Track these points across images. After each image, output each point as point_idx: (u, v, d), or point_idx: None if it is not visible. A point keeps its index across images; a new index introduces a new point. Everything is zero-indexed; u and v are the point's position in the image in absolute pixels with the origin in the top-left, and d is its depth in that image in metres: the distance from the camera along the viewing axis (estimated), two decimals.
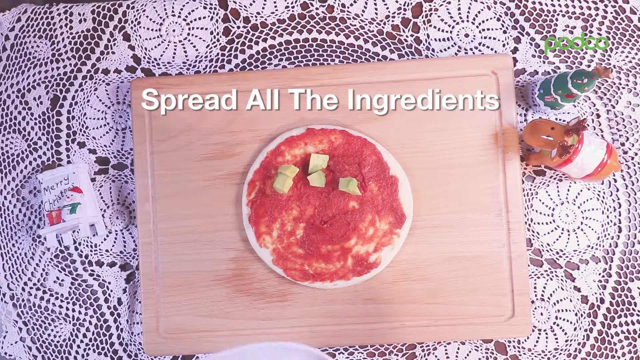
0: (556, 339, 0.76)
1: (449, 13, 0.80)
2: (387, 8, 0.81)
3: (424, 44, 0.80)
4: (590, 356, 0.76)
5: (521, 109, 0.78)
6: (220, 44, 0.81)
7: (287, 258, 0.74)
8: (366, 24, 0.81)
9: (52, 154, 0.81)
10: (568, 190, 0.77)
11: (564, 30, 0.79)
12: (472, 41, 0.80)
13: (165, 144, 0.77)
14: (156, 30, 0.82)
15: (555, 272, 0.77)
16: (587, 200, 0.77)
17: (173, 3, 0.82)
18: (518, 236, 0.74)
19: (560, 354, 0.76)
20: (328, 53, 0.80)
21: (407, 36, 0.80)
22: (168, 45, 0.81)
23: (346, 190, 0.72)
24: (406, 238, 0.74)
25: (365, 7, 0.81)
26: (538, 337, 0.76)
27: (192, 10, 0.81)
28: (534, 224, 0.77)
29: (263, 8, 0.81)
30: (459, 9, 0.80)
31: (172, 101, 0.77)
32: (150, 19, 0.82)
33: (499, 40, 0.79)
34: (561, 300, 0.77)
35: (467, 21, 0.80)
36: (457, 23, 0.80)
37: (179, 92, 0.77)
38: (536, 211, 0.77)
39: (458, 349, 0.77)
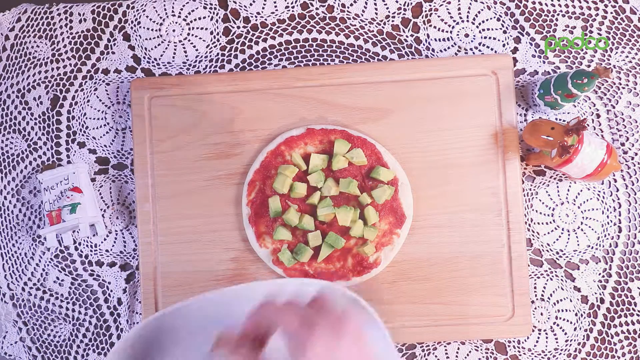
0: (556, 339, 0.76)
1: (449, 13, 0.80)
2: (387, 8, 0.81)
3: (424, 44, 0.80)
4: (590, 356, 0.76)
5: (521, 109, 0.78)
6: (220, 44, 0.81)
7: None
8: (366, 24, 0.81)
9: (52, 154, 0.81)
10: (568, 190, 0.77)
11: (564, 30, 0.79)
12: (472, 41, 0.80)
13: (165, 144, 0.77)
14: (156, 30, 0.82)
15: (555, 272, 0.77)
16: (587, 200, 0.77)
17: (173, 3, 0.82)
18: (518, 236, 0.74)
19: (560, 354, 0.76)
20: (328, 53, 0.80)
21: (407, 36, 0.80)
22: (168, 45, 0.81)
23: (346, 191, 0.72)
24: (406, 238, 0.74)
25: (365, 7, 0.81)
26: (538, 337, 0.76)
27: (192, 10, 0.81)
28: (534, 224, 0.77)
29: (263, 8, 0.81)
30: (459, 9, 0.80)
31: (172, 101, 0.77)
32: (150, 19, 0.82)
33: (499, 40, 0.79)
34: (561, 300, 0.77)
35: (467, 21, 0.80)
36: (457, 23, 0.80)
37: (179, 92, 0.77)
38: (536, 211, 0.77)
39: (458, 349, 0.77)
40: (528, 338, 0.76)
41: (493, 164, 0.75)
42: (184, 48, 0.81)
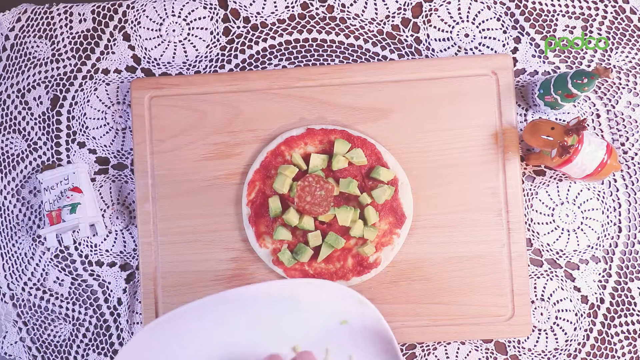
0: (556, 339, 0.76)
1: (449, 13, 0.80)
2: (387, 8, 0.81)
3: (424, 44, 0.80)
4: (590, 356, 0.76)
5: (521, 109, 0.78)
6: (220, 44, 0.81)
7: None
8: (366, 24, 0.81)
9: (52, 154, 0.81)
10: (568, 190, 0.77)
11: (564, 30, 0.79)
12: (472, 41, 0.80)
13: (165, 144, 0.77)
14: (156, 30, 0.82)
15: (555, 272, 0.77)
16: (587, 200, 0.77)
17: (173, 3, 0.82)
18: (518, 236, 0.74)
19: (560, 354, 0.76)
20: (328, 53, 0.80)
21: (407, 36, 0.80)
22: (168, 45, 0.81)
23: (346, 191, 0.72)
24: (406, 238, 0.74)
25: (365, 7, 0.81)
26: (538, 337, 0.76)
27: (192, 10, 0.81)
28: (534, 224, 0.77)
29: (263, 8, 0.81)
30: (459, 9, 0.80)
31: (172, 101, 0.77)
32: (150, 19, 0.82)
33: (499, 40, 0.79)
34: (561, 300, 0.77)
35: (467, 21, 0.80)
36: (457, 23, 0.80)
37: (179, 92, 0.77)
38: (536, 211, 0.77)
39: (458, 349, 0.77)
40: (528, 338, 0.76)
41: (493, 164, 0.75)
42: (184, 48, 0.81)
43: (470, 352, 0.77)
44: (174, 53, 0.81)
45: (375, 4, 0.81)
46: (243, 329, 0.57)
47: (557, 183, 0.77)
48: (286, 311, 0.57)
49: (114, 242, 0.80)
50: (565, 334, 0.76)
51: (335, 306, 0.58)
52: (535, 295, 0.77)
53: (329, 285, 0.57)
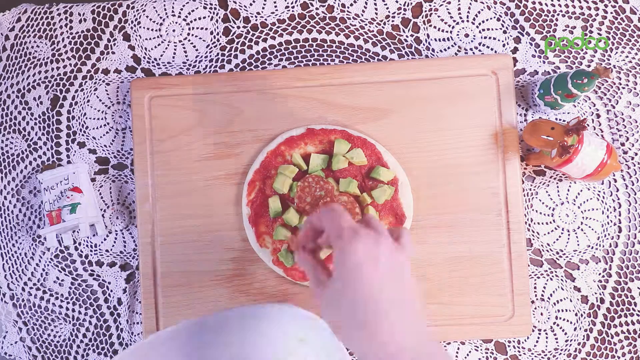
0: (556, 339, 0.76)
1: (449, 13, 0.80)
2: (387, 8, 0.81)
3: (424, 44, 0.80)
4: (590, 356, 0.76)
5: (521, 109, 0.78)
6: (220, 44, 0.81)
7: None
8: (366, 24, 0.81)
9: (52, 154, 0.81)
10: (568, 190, 0.77)
11: (564, 30, 0.79)
12: (472, 41, 0.80)
13: (165, 144, 0.77)
14: (156, 30, 0.82)
15: (555, 272, 0.77)
16: (587, 200, 0.77)
17: (173, 3, 0.82)
18: (518, 236, 0.74)
19: (560, 354, 0.76)
20: (328, 53, 0.80)
21: (407, 36, 0.80)
22: (168, 45, 0.81)
23: (346, 191, 0.72)
24: None
25: (365, 7, 0.81)
26: (538, 337, 0.76)
27: (192, 10, 0.81)
28: (534, 224, 0.77)
29: (263, 8, 0.81)
30: (459, 9, 0.80)
31: (172, 101, 0.77)
32: (150, 19, 0.82)
33: (499, 40, 0.79)
34: (561, 300, 0.77)
35: (467, 21, 0.80)
36: (457, 23, 0.80)
37: (179, 92, 0.77)
38: (536, 211, 0.77)
39: (458, 349, 0.77)
40: (528, 338, 0.76)
41: (493, 164, 0.75)
42: (184, 48, 0.81)
43: (470, 352, 0.77)
44: (174, 53, 0.81)
45: (375, 4, 0.81)
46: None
47: (557, 183, 0.77)
48: (247, 336, 0.57)
49: (114, 242, 0.80)
50: (565, 334, 0.76)
51: (292, 324, 0.59)
52: (535, 295, 0.77)
53: (281, 307, 0.58)
